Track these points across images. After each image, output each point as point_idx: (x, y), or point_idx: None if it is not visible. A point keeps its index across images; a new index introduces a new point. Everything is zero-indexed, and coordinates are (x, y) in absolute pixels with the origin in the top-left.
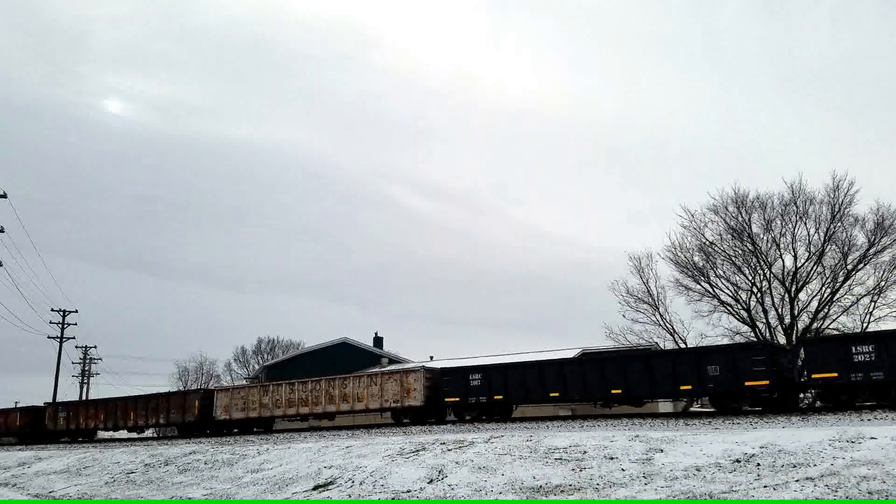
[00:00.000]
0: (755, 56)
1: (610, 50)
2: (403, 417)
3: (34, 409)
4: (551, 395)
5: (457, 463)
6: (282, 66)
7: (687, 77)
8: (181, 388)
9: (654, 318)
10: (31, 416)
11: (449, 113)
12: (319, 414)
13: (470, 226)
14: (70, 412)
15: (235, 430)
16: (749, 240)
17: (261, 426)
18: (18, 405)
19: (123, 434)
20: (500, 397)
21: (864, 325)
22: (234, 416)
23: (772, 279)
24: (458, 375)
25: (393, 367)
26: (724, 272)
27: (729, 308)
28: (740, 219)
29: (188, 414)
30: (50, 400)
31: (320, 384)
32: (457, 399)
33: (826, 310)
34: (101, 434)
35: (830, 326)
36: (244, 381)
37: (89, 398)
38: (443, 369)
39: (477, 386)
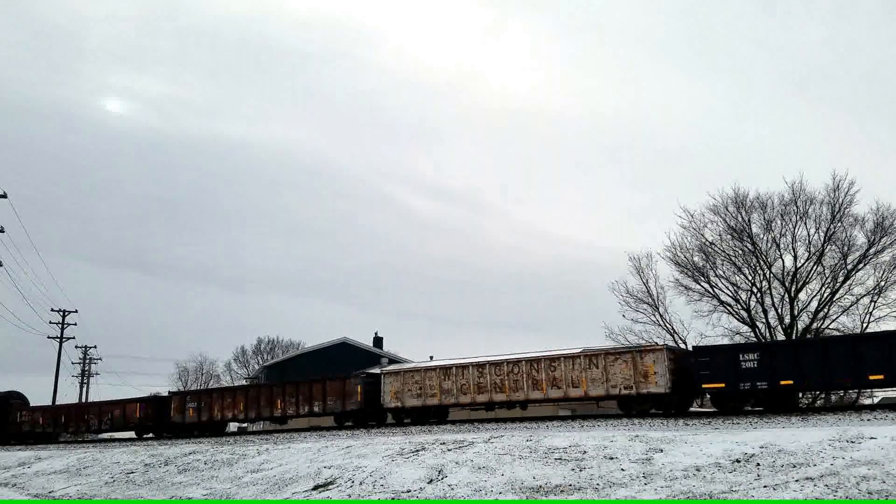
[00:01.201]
0: (755, 56)
1: (610, 49)
2: (637, 406)
3: (158, 399)
4: (871, 378)
5: (457, 463)
6: (281, 65)
7: (687, 76)
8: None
9: (654, 318)
10: (155, 406)
11: (449, 112)
12: (519, 401)
13: (470, 225)
14: (201, 401)
15: (407, 420)
16: (749, 240)
17: (437, 416)
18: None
19: (252, 426)
20: (790, 382)
21: (864, 325)
22: (408, 404)
23: (772, 279)
24: (721, 355)
25: (611, 346)
26: (724, 272)
27: (729, 308)
28: (740, 219)
29: (350, 401)
30: (51, 401)
31: (520, 366)
32: (721, 386)
33: (826, 310)
34: (232, 426)
35: (830, 326)
36: (244, 382)
37: (211, 387)
38: (696, 348)
39: (752, 369)
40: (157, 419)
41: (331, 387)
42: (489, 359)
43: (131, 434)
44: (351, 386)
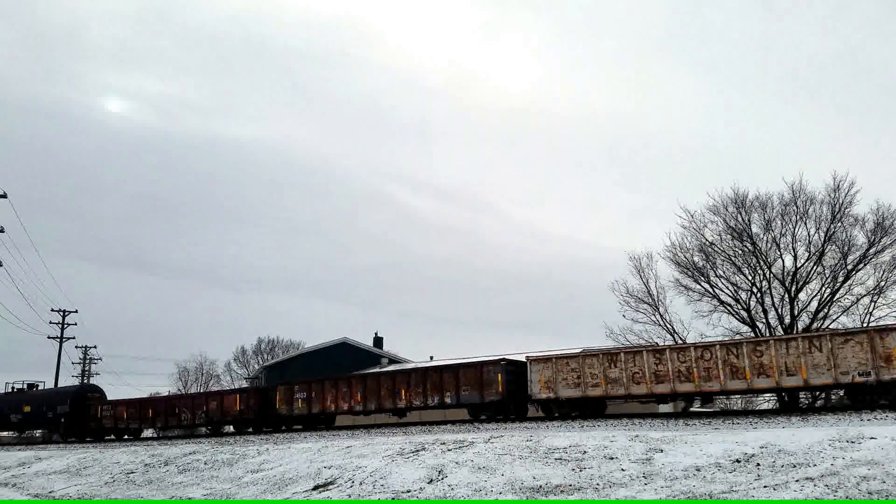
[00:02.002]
0: (755, 55)
1: (609, 48)
2: (875, 397)
3: (260, 390)
4: None
5: (457, 463)
6: (279, 64)
7: (686, 76)
8: (180, 389)
9: (654, 318)
10: (257, 397)
11: (448, 111)
12: (712, 392)
13: (470, 225)
14: (311, 391)
15: (556, 414)
16: (749, 240)
17: (595, 409)
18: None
19: (363, 419)
20: None
21: (864, 325)
22: (563, 395)
23: (772, 279)
24: None
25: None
26: (724, 272)
27: (729, 308)
28: (740, 219)
29: (488, 391)
30: None
31: (712, 351)
32: None
33: (826, 310)
34: (341, 419)
35: (830, 326)
36: (244, 382)
37: (322, 375)
38: None
39: None
40: (259, 412)
41: (465, 375)
42: (674, 346)
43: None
44: (489, 374)
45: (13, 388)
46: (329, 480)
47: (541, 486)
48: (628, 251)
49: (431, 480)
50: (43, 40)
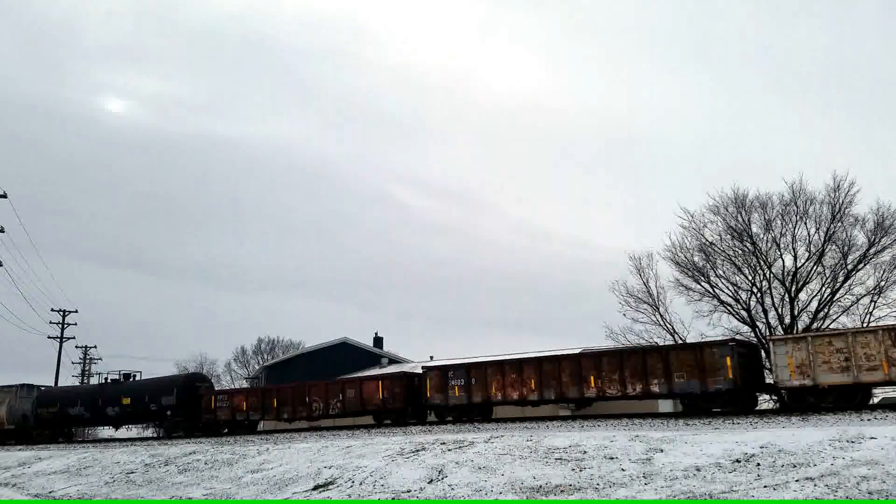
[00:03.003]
0: (754, 55)
1: (608, 47)
2: None
3: (407, 376)
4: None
5: (457, 463)
6: (276, 62)
7: (685, 75)
8: None
9: (654, 318)
10: (403, 385)
11: (446, 110)
12: None
13: (469, 224)
14: (471, 377)
15: (814, 404)
16: (749, 240)
17: (864, 396)
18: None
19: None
20: None
21: (865, 324)
22: (824, 381)
23: (772, 279)
24: None
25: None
26: (724, 272)
27: (729, 308)
28: (740, 219)
29: (714, 377)
30: None
31: None
32: None
33: (826, 310)
34: (498, 410)
35: (830, 326)
36: (244, 382)
37: (484, 359)
38: None
39: None
40: (406, 401)
41: (677, 358)
42: None
43: (370, 420)
44: (713, 357)
45: (107, 379)
46: (329, 480)
47: (541, 486)
48: (628, 251)
49: (431, 480)
50: (40, 39)
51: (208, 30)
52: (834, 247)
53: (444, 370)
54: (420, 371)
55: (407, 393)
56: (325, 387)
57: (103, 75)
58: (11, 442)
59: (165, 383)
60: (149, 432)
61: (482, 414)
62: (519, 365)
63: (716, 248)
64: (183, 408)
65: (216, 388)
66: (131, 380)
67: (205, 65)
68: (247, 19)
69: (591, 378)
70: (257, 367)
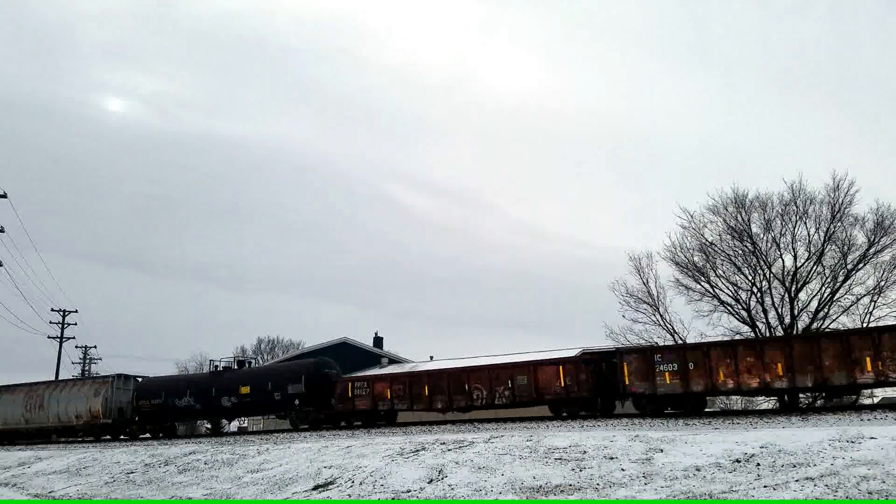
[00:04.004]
0: (755, 55)
1: (607, 47)
2: None
3: (594, 360)
4: None
5: (457, 463)
6: (276, 61)
7: (685, 74)
8: None
9: (654, 318)
10: (591, 370)
11: (446, 109)
12: None
13: (469, 224)
14: (686, 361)
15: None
16: (749, 240)
17: None
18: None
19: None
20: None
21: (864, 324)
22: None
23: (772, 279)
24: None
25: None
26: (724, 272)
27: (729, 308)
28: (740, 219)
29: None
30: None
31: None
32: None
33: (826, 310)
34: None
35: (830, 326)
36: None
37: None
38: None
39: None
40: (596, 388)
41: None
42: None
43: (544, 410)
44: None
45: (216, 367)
46: (329, 480)
47: (541, 486)
48: (628, 251)
49: (431, 480)
50: (38, 38)
51: (207, 29)
52: (834, 247)
53: (647, 353)
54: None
55: (597, 378)
56: (489, 372)
57: (102, 74)
58: (107, 437)
59: (292, 370)
60: (258, 426)
61: (698, 406)
62: (753, 346)
63: (716, 248)
64: (312, 397)
65: (356, 374)
66: (248, 367)
67: (204, 64)
68: (246, 18)
69: (867, 360)
70: None
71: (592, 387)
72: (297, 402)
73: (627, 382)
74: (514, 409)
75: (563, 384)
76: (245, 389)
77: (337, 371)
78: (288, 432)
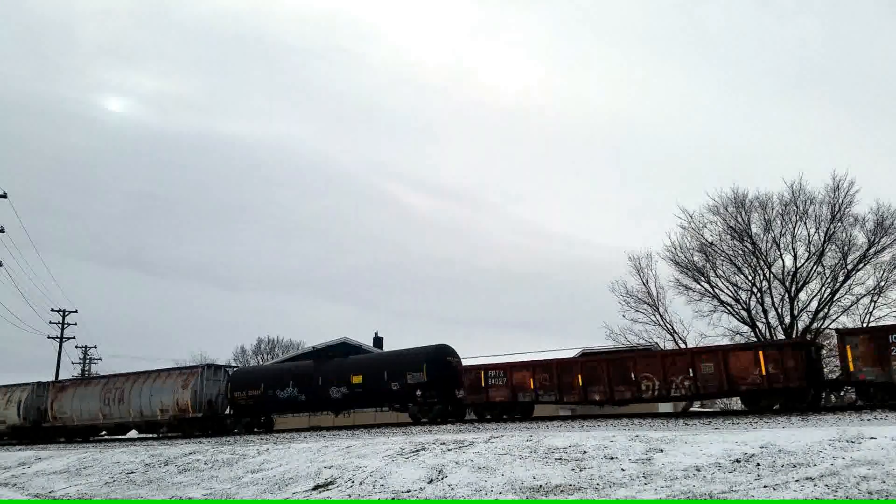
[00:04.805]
0: (754, 54)
1: (608, 47)
2: None
3: (803, 345)
4: None
5: (456, 463)
6: (276, 60)
7: (685, 74)
8: None
9: (654, 318)
10: (801, 356)
11: (446, 109)
12: None
13: (469, 223)
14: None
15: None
16: (749, 240)
17: None
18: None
19: None
20: None
21: (864, 324)
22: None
23: (772, 279)
24: None
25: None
26: (724, 272)
27: (729, 308)
28: (740, 219)
29: None
30: None
31: None
32: None
33: (826, 310)
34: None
35: (830, 326)
36: None
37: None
38: None
39: None
40: (806, 378)
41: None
42: None
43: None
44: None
45: (317, 354)
46: (329, 480)
47: (541, 486)
48: (628, 251)
49: (431, 480)
50: (37, 37)
51: (207, 28)
52: (834, 247)
53: (879, 333)
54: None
55: (805, 366)
56: (661, 360)
57: (101, 74)
58: (197, 433)
59: (411, 357)
60: (364, 419)
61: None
62: None
63: (716, 249)
64: (435, 387)
65: (470, 363)
66: (358, 355)
67: (203, 63)
68: (246, 17)
69: None
70: None
71: (803, 375)
72: (418, 392)
73: (853, 368)
74: (702, 402)
75: (763, 372)
76: (357, 379)
77: (458, 359)
78: (288, 432)
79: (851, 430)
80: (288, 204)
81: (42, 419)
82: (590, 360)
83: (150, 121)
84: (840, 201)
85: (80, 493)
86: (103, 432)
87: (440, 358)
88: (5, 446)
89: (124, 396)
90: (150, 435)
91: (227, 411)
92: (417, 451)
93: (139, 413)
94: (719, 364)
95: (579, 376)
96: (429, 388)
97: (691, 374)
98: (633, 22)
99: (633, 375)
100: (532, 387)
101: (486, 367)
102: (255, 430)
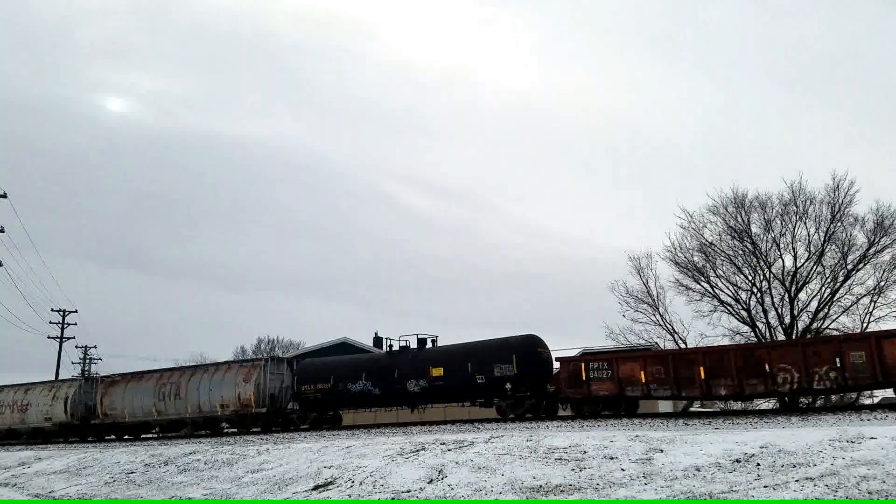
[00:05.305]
0: (754, 53)
1: (608, 47)
2: None
3: None
4: None
5: (457, 463)
6: (275, 59)
7: (686, 75)
8: None
9: (654, 319)
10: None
11: (446, 108)
12: None
13: (469, 223)
14: None
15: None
16: (749, 240)
17: None
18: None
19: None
20: None
21: (864, 325)
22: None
23: (772, 279)
24: None
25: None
26: (723, 272)
27: (729, 308)
28: (740, 219)
29: None
30: None
31: None
32: None
33: (826, 310)
34: None
35: (830, 326)
36: None
37: None
38: None
39: None
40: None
41: None
42: None
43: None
44: None
45: (390, 346)
46: (329, 480)
47: (541, 486)
48: (628, 251)
49: (431, 480)
50: (36, 37)
51: (206, 27)
52: (834, 247)
53: None
54: None
55: None
56: (802, 349)
57: (100, 73)
58: (257, 430)
59: (498, 347)
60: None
61: None
62: None
63: (716, 249)
64: (526, 380)
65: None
66: (433, 346)
67: (203, 63)
68: (245, 17)
69: None
70: None
71: None
72: (508, 386)
73: None
74: (852, 393)
75: None
76: (437, 371)
77: (548, 350)
78: (288, 433)
79: (851, 430)
80: (288, 203)
81: (91, 416)
82: (713, 351)
83: (150, 121)
84: (840, 201)
85: (80, 493)
86: (156, 429)
87: (530, 349)
88: (44, 445)
89: (181, 391)
90: (205, 431)
91: (291, 406)
92: (417, 451)
93: (197, 408)
94: (872, 352)
95: (701, 368)
96: (519, 382)
97: (838, 365)
98: (633, 22)
99: (766, 367)
100: (643, 380)
101: (588, 359)
102: (324, 426)
